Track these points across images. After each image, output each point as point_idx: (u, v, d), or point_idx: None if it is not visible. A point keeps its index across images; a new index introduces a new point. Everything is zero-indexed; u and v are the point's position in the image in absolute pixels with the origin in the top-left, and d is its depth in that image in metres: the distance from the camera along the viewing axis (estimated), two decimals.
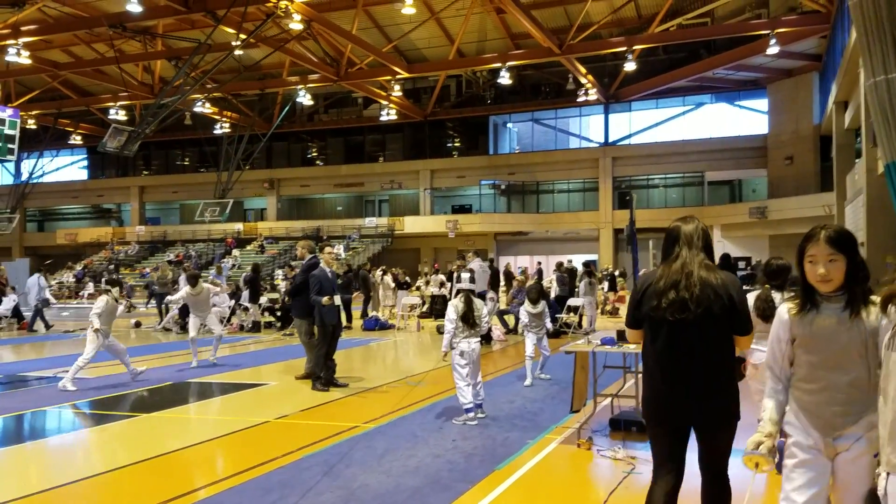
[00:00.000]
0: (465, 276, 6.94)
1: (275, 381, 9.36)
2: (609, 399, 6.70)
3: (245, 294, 16.77)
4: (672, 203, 39.29)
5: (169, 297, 16.27)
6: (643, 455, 5.27)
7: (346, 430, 6.32)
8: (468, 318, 6.55)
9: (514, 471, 5.03)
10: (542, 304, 9.27)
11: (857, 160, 23.86)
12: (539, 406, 7.38)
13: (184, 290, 11.18)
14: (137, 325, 18.48)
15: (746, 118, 37.35)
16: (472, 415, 6.50)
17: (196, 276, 11.13)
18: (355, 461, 5.31)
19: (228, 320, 16.72)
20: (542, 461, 5.27)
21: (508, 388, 8.56)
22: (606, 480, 4.92)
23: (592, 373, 5.83)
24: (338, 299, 8.24)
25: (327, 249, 8.53)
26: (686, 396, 3.11)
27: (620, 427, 5.97)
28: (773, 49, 26.73)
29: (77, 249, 48.42)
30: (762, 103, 36.12)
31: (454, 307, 6.66)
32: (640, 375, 5.40)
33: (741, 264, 34.27)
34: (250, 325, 16.36)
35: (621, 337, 5.89)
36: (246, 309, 16.89)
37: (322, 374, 8.26)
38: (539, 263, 31.89)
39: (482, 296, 13.70)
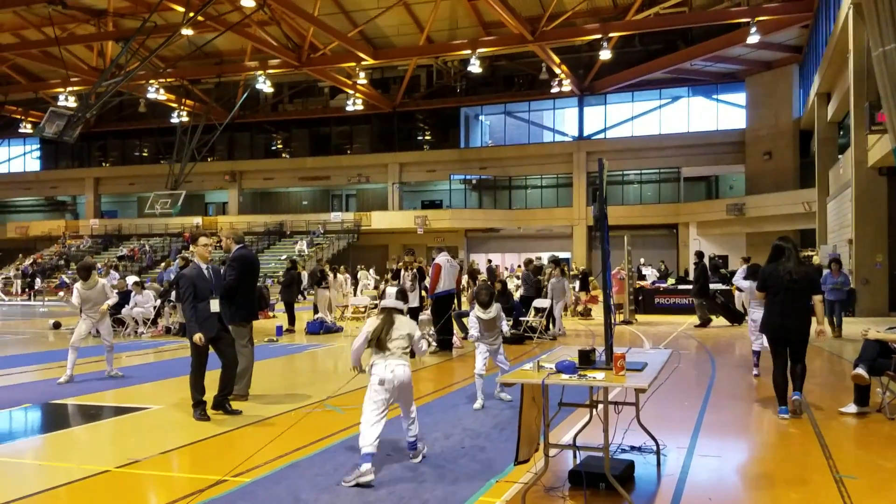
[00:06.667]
0: (391, 291, 5.24)
1: (161, 403, 7.49)
2: (568, 443, 5.06)
3: (175, 292, 14.90)
4: (647, 199, 38.00)
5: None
6: None
7: (205, 488, 4.55)
8: (380, 342, 5.03)
9: None
10: (496, 308, 7.67)
11: (840, 155, 22.66)
12: (482, 443, 5.74)
13: (76, 287, 9.29)
14: (56, 325, 16.62)
15: (724, 112, 36.19)
16: (368, 466, 4.65)
17: (89, 268, 9.16)
18: None
19: (154, 322, 14.95)
20: None
21: (449, 413, 6.90)
22: None
23: (545, 412, 4.20)
24: (215, 304, 6.51)
25: (201, 241, 6.73)
26: (791, 325, 6.54)
27: (583, 483, 4.36)
28: (753, 38, 25.45)
29: (28, 243, 46.06)
30: (740, 97, 34.96)
31: (370, 324, 5.16)
32: (605, 407, 3.94)
33: (719, 261, 33.09)
34: (177, 328, 14.54)
35: (585, 360, 4.29)
36: (175, 307, 15.06)
37: (204, 399, 6.51)
38: (490, 261, 29.98)
39: (451, 295, 12.07)
